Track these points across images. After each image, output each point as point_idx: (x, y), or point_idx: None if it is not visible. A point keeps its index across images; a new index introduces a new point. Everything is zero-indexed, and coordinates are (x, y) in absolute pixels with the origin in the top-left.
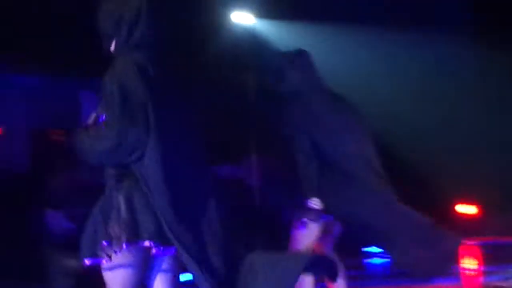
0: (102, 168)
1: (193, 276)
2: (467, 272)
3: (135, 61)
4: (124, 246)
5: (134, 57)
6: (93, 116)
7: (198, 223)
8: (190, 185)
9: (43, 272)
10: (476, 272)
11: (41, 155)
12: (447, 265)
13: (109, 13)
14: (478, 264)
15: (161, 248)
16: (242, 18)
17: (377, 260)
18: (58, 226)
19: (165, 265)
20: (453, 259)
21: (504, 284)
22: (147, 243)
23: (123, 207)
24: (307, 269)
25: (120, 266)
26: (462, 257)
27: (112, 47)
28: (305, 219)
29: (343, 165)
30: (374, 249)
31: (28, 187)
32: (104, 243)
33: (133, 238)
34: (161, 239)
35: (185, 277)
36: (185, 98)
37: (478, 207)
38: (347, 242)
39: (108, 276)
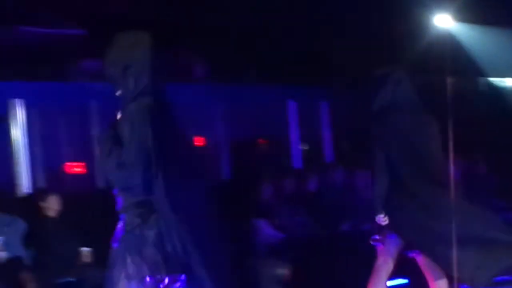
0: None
1: None
2: None
3: (144, 106)
4: (166, 280)
5: (143, 103)
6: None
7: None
8: (195, 215)
9: (251, 281)
10: None
11: (246, 164)
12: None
13: (116, 61)
14: None
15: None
16: (442, 21)
17: None
18: (266, 235)
19: None
20: None
21: None
22: (182, 277)
23: (156, 242)
24: None
25: None
26: None
27: (119, 93)
28: (376, 236)
29: (409, 184)
30: None
31: (234, 196)
32: (148, 278)
33: (171, 271)
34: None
35: None
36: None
37: None
38: None
39: None
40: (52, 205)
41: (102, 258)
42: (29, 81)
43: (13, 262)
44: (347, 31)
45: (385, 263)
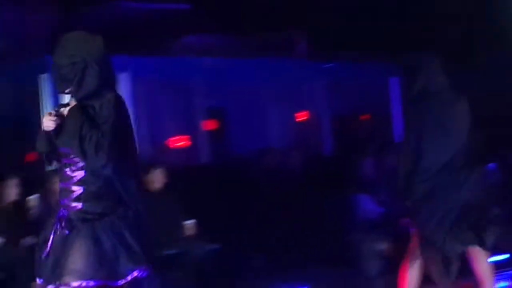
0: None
1: None
2: None
3: (116, 98)
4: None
5: (112, 95)
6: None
7: None
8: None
9: (353, 256)
10: None
11: (348, 140)
12: None
13: (72, 60)
14: None
15: None
16: None
17: None
18: (368, 210)
19: None
20: None
21: None
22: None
23: (130, 233)
24: None
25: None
26: None
27: (71, 89)
28: (407, 219)
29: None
30: None
31: (336, 171)
32: (133, 268)
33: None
34: None
35: None
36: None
37: None
38: None
39: None
40: (157, 179)
41: (206, 231)
42: (134, 56)
43: None
44: (449, 8)
45: (417, 245)
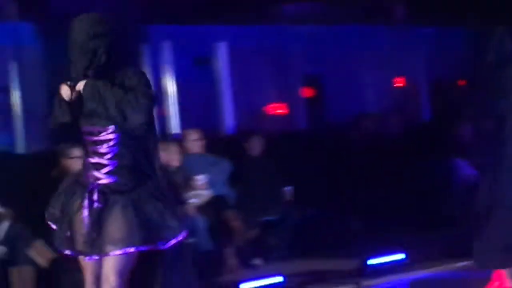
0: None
1: None
2: None
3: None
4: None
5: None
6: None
7: None
8: None
9: (451, 222)
10: None
11: (446, 105)
12: None
13: (93, 41)
14: None
15: None
16: None
17: None
18: (466, 175)
19: None
20: None
21: None
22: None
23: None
24: None
25: None
26: None
27: (93, 71)
28: None
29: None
30: None
31: (433, 137)
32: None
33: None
34: None
35: None
36: None
37: None
38: None
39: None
40: (255, 146)
41: (303, 197)
42: (232, 25)
43: (218, 200)
44: None
45: None
